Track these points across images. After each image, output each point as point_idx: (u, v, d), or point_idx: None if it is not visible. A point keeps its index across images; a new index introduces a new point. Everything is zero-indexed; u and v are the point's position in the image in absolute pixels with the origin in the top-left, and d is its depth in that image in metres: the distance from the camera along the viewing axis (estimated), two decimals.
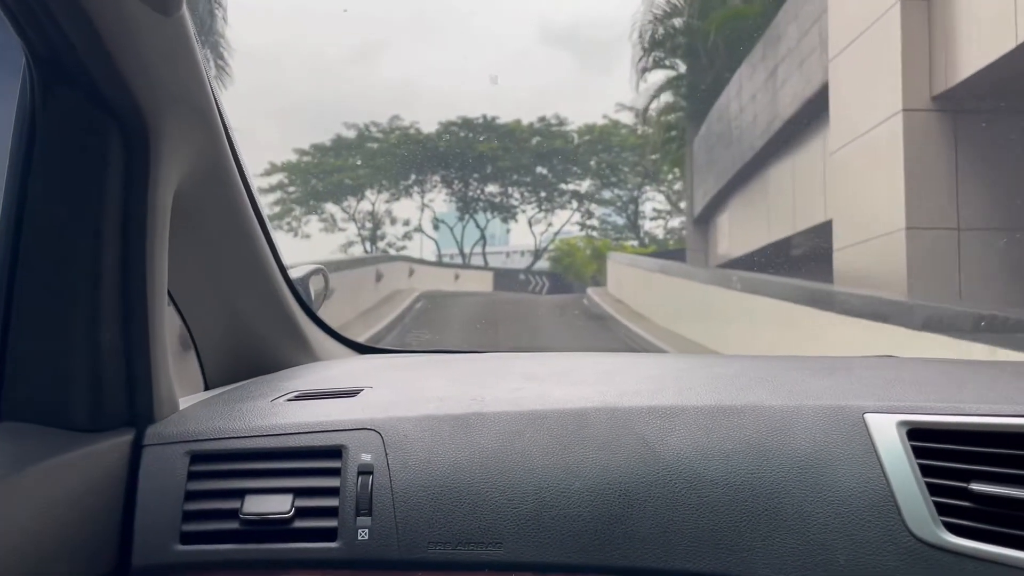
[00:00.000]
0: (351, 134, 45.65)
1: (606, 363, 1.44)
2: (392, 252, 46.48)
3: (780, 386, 1.12)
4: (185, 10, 1.01)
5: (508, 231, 50.56)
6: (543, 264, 49.93)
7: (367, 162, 44.14)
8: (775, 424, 1.01)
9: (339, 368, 1.54)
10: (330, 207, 45.77)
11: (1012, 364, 1.33)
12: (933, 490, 0.93)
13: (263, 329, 1.54)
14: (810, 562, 0.91)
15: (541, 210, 47.64)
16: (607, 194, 49.36)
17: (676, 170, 37.43)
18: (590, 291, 27.72)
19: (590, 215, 48.42)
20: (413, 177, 45.83)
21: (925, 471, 0.94)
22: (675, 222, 48.34)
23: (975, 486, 0.92)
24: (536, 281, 33.40)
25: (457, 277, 34.44)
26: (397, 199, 46.60)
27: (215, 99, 1.17)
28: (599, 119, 46.15)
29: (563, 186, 47.08)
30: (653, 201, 48.30)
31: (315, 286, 1.74)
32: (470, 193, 46.88)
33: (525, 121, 45.40)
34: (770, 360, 1.46)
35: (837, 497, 0.93)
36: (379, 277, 20.21)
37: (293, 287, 1.61)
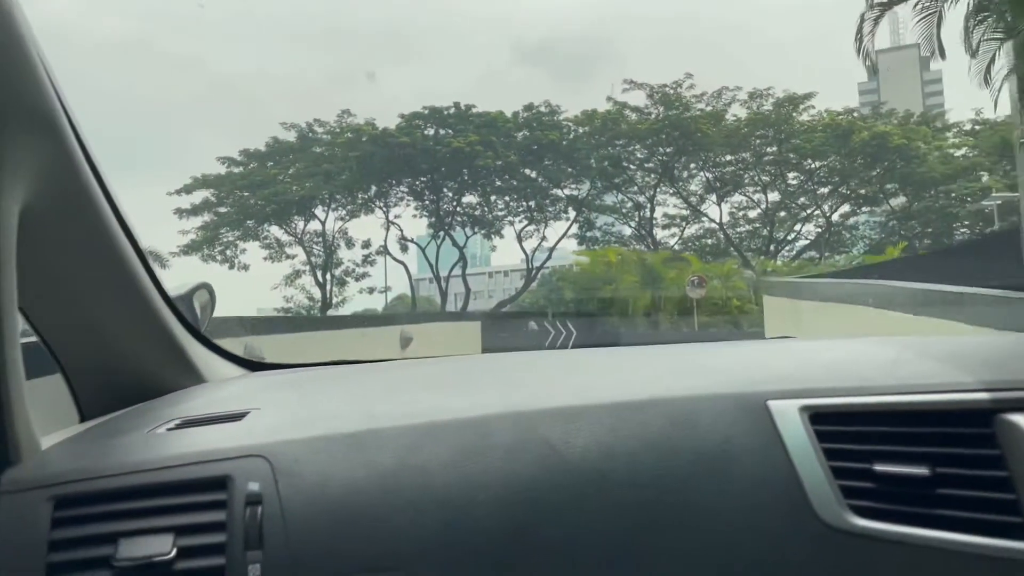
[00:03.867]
0: (290, 136, 37.14)
1: (507, 363, 1.47)
2: (349, 281, 37.78)
3: (683, 376, 1.14)
4: (15, 3, 0.96)
5: (493, 248, 41.91)
6: (541, 289, 41.78)
7: (311, 169, 35.25)
8: (679, 417, 1.01)
9: (227, 389, 1.48)
10: (274, 230, 37.00)
11: (918, 341, 1.34)
12: (838, 473, 0.94)
13: (140, 352, 1.47)
14: (721, 557, 0.91)
15: (532, 222, 39.69)
16: (609, 199, 41.27)
17: None
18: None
19: (590, 225, 40.19)
20: (374, 188, 37.38)
21: (829, 455, 0.95)
22: (693, 229, 40.26)
23: (878, 467, 0.93)
24: (559, 330, 19.41)
25: (407, 344, 21.03)
26: (355, 215, 37.91)
27: (61, 102, 1.10)
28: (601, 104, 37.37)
29: (557, 191, 38.91)
30: (664, 206, 40.03)
31: (199, 301, 1.66)
32: (444, 205, 38.50)
33: (509, 111, 36.98)
34: (673, 349, 1.51)
35: (745, 488, 0.94)
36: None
37: (173, 305, 1.50)
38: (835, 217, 37.94)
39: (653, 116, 35.85)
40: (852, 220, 38.91)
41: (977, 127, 36.09)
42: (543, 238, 39.65)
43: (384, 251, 37.89)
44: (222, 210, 35.76)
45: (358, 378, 1.50)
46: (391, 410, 1.11)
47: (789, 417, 0.98)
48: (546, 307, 35.48)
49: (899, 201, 36.75)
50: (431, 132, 35.90)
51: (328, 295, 36.64)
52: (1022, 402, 0.96)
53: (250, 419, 1.15)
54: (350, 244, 37.75)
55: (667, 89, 35.22)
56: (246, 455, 1.01)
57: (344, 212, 37.59)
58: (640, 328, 18.18)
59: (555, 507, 0.94)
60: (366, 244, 37.75)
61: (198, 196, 35.55)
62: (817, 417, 0.98)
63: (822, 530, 0.90)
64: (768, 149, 36.29)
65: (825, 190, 36.96)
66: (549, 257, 41.08)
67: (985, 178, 32.24)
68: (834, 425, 0.98)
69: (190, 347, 1.54)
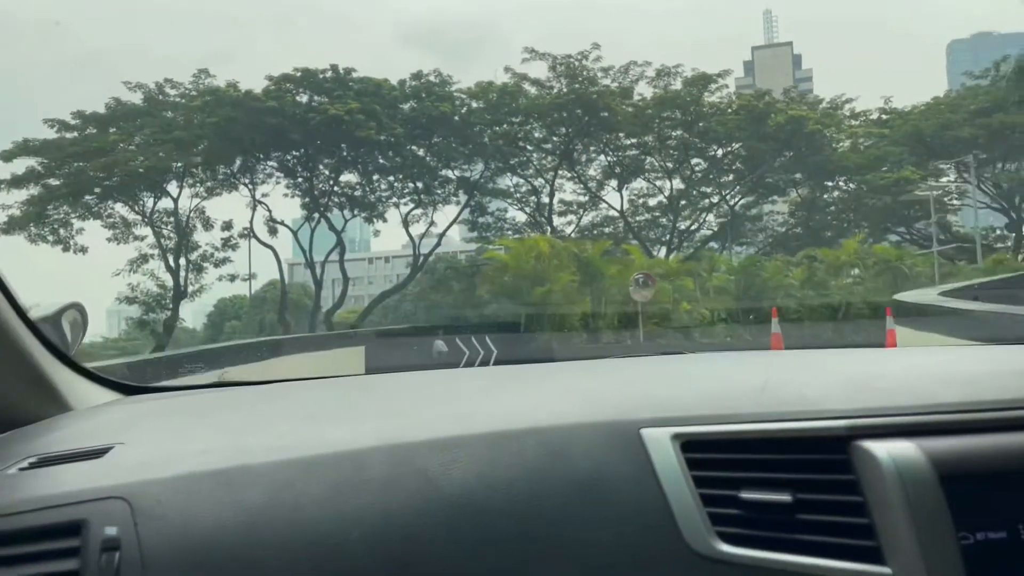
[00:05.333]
0: (136, 98, 31.68)
1: (389, 387, 1.45)
2: (207, 267, 32.76)
3: (561, 402, 1.14)
4: None
5: (376, 233, 37.83)
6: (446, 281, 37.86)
7: (160, 136, 30.02)
8: (555, 447, 1.01)
9: (93, 420, 1.41)
10: (118, 207, 31.50)
11: (789, 361, 1.41)
12: (707, 501, 0.95)
13: None
14: None
15: (419, 205, 35.88)
16: (504, 182, 37.95)
17: None
18: None
19: (482, 210, 36.75)
20: (238, 161, 32.57)
21: (699, 482, 0.97)
22: (592, 216, 37.47)
23: (744, 494, 0.95)
24: (476, 350, 12.95)
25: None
26: (215, 193, 32.93)
27: None
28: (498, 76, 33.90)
29: (447, 172, 35.24)
30: (561, 191, 37.06)
31: (68, 321, 1.61)
32: (320, 184, 34.16)
33: (395, 79, 32.90)
34: (553, 370, 1.52)
35: (618, 517, 0.95)
36: None
37: (33, 326, 1.44)
38: (740, 207, 35.96)
39: (555, 90, 32.68)
40: (755, 211, 37.12)
41: (885, 116, 34.94)
42: (431, 223, 36.06)
43: (249, 234, 33.11)
44: (52, 182, 30.09)
45: (235, 404, 1.45)
46: (264, 443, 1.07)
47: (661, 445, 0.99)
48: (438, 302, 31.88)
49: (804, 191, 35.17)
50: (304, 99, 31.43)
51: (182, 282, 31.56)
52: (875, 429, 0.99)
53: (112, 455, 1.10)
54: (208, 225, 32.71)
55: (571, 60, 32.08)
56: (104, 497, 0.97)
57: (202, 188, 32.54)
58: (577, 343, 14.38)
59: (432, 542, 0.93)
60: (227, 225, 32.79)
61: (21, 164, 29.73)
62: (688, 445, 1.00)
63: (691, 558, 0.91)
64: (675, 133, 33.83)
65: (731, 177, 34.86)
66: (438, 244, 37.40)
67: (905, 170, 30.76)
68: (704, 453, 0.99)
69: (54, 372, 1.47)
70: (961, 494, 0.93)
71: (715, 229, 37.00)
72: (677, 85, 32.76)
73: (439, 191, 35.39)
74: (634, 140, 34.09)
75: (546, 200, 35.84)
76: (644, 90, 32.99)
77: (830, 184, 33.95)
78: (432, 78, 32.49)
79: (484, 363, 11.48)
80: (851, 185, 32.94)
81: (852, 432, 0.99)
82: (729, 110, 32.01)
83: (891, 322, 15.23)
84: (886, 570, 0.90)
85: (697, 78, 32.53)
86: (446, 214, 40.87)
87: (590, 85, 31.93)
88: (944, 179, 30.47)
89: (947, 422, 1.01)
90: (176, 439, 1.21)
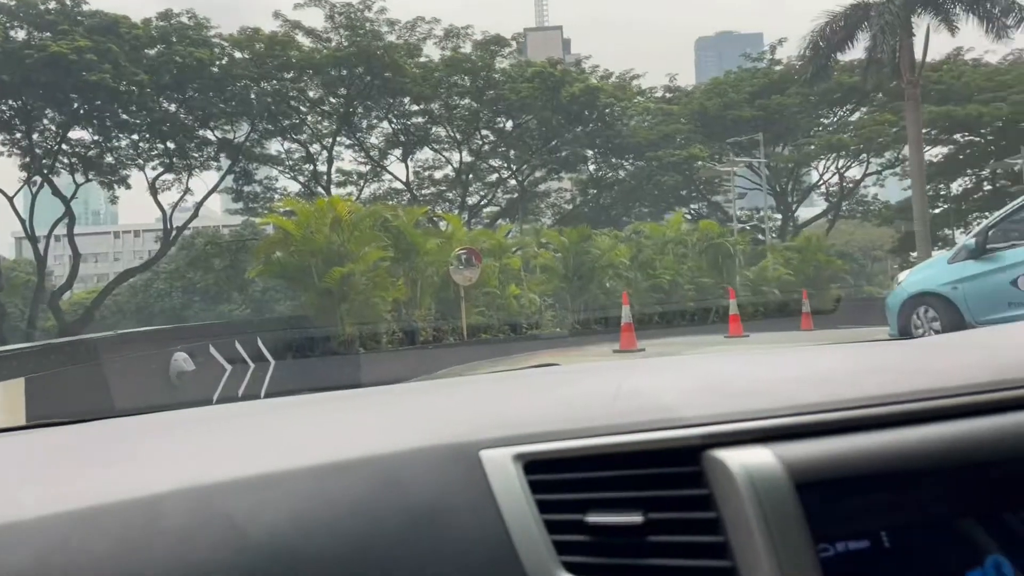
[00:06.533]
0: None
1: (188, 421, 1.34)
2: None
3: (394, 427, 1.06)
4: None
5: (113, 200, 32.31)
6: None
7: None
8: (387, 476, 0.93)
9: None
10: None
11: (645, 365, 1.36)
12: (552, 527, 0.88)
13: None
14: None
15: (170, 169, 30.71)
16: (275, 147, 33.72)
17: None
18: None
19: (248, 178, 32.38)
20: None
21: (543, 507, 0.90)
22: (374, 187, 34.30)
23: (591, 517, 0.89)
24: (243, 363, 8.08)
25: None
26: None
27: None
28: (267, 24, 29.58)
29: (206, 132, 30.50)
30: (339, 159, 33.57)
31: None
32: (44, 141, 28.15)
33: (139, 17, 27.59)
34: (389, 391, 1.45)
35: (456, 551, 0.87)
36: None
37: None
38: (529, 182, 34.44)
39: (333, 44, 29.05)
40: (544, 187, 35.86)
41: (669, 94, 34.84)
42: (187, 190, 31.17)
43: None
44: None
45: (13, 450, 1.30)
46: (42, 495, 0.96)
47: (501, 468, 0.92)
48: (196, 284, 27.32)
49: (594, 167, 34.34)
50: (21, 35, 25.49)
51: None
52: (729, 436, 0.94)
53: None
54: None
55: (352, 10, 28.57)
56: None
57: None
58: (387, 344, 10.90)
59: None
60: None
61: None
62: (532, 466, 0.92)
63: None
64: (463, 102, 31.46)
65: (517, 152, 33.14)
66: (195, 215, 32.47)
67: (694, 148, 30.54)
68: (548, 473, 0.92)
69: None
70: (820, 502, 0.89)
71: (503, 205, 35.30)
72: (467, 48, 30.37)
73: (196, 154, 30.83)
74: (421, 106, 31.36)
75: (323, 168, 32.22)
76: (432, 52, 30.31)
77: (621, 160, 33.25)
78: (185, 19, 27.66)
79: (256, 382, 7.92)
80: (640, 162, 32.38)
81: (706, 441, 0.93)
82: (522, 77, 30.06)
83: (807, 305, 14.48)
84: None
85: (489, 40, 30.31)
86: (205, 181, 35.92)
87: (373, 39, 28.64)
88: (736, 158, 30.63)
89: (804, 424, 0.95)
90: None
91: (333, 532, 0.87)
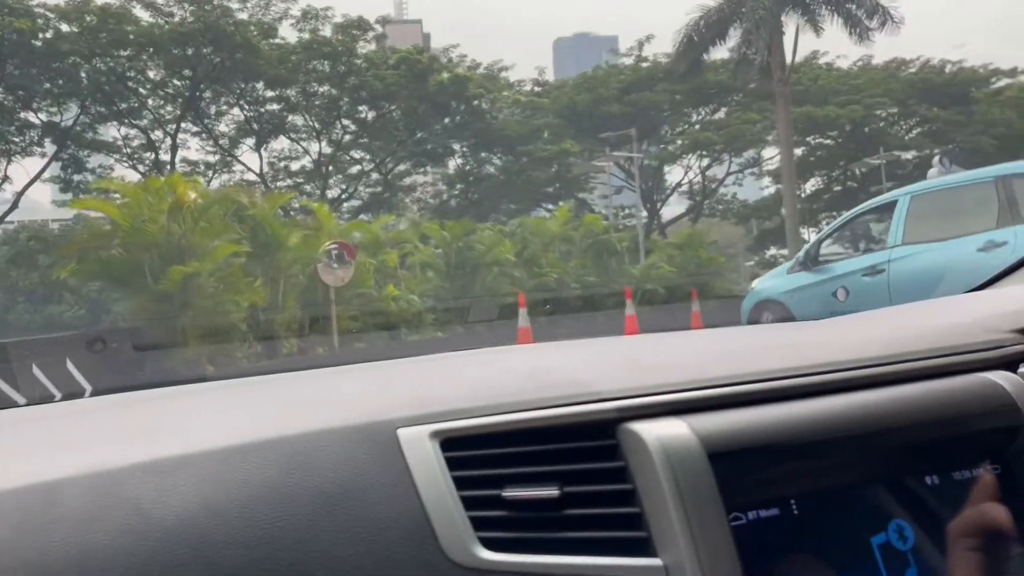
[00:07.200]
0: None
1: (89, 410, 1.32)
2: None
3: (306, 409, 1.03)
4: None
5: None
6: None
7: None
8: (300, 458, 0.91)
9: None
10: None
11: (564, 346, 1.39)
12: (469, 504, 0.88)
13: None
14: None
15: None
16: (111, 132, 30.49)
17: None
18: None
19: (79, 166, 29.14)
20: None
21: (460, 484, 0.89)
22: (224, 179, 31.69)
23: (507, 492, 0.89)
24: (40, 388, 5.18)
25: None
26: None
27: None
28: None
29: (28, 114, 27.16)
30: (185, 148, 30.81)
31: None
32: None
33: None
34: (303, 375, 1.44)
35: (371, 532, 0.86)
36: None
37: None
38: (393, 176, 32.92)
39: (177, 18, 26.43)
40: (410, 180, 34.43)
41: (538, 88, 34.24)
42: (5, 178, 27.70)
43: None
44: None
45: None
46: None
47: (419, 445, 0.91)
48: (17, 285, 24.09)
49: (461, 160, 33.25)
50: None
51: None
52: (644, 408, 0.95)
53: None
54: None
55: None
56: None
57: None
58: (241, 359, 8.87)
59: None
60: None
61: None
62: (449, 443, 0.92)
63: (450, 569, 0.85)
64: (322, 89, 29.54)
65: (382, 143, 31.56)
66: (14, 206, 28.88)
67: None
68: (466, 450, 0.92)
69: None
70: (732, 472, 0.91)
71: (365, 199, 33.58)
72: (327, 31, 28.49)
73: (16, 138, 27.40)
74: (276, 92, 29.20)
75: (166, 157, 29.38)
76: (289, 34, 28.22)
77: (490, 154, 32.29)
78: None
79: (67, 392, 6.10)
80: (510, 157, 31.53)
81: (621, 414, 0.94)
82: (386, 64, 28.48)
83: (696, 304, 14.15)
84: (657, 562, 0.86)
85: (351, 24, 28.53)
86: (27, 168, 32.18)
87: (223, 16, 26.26)
88: (610, 151, 30.36)
89: (717, 396, 0.98)
90: None
91: (244, 514, 0.83)
